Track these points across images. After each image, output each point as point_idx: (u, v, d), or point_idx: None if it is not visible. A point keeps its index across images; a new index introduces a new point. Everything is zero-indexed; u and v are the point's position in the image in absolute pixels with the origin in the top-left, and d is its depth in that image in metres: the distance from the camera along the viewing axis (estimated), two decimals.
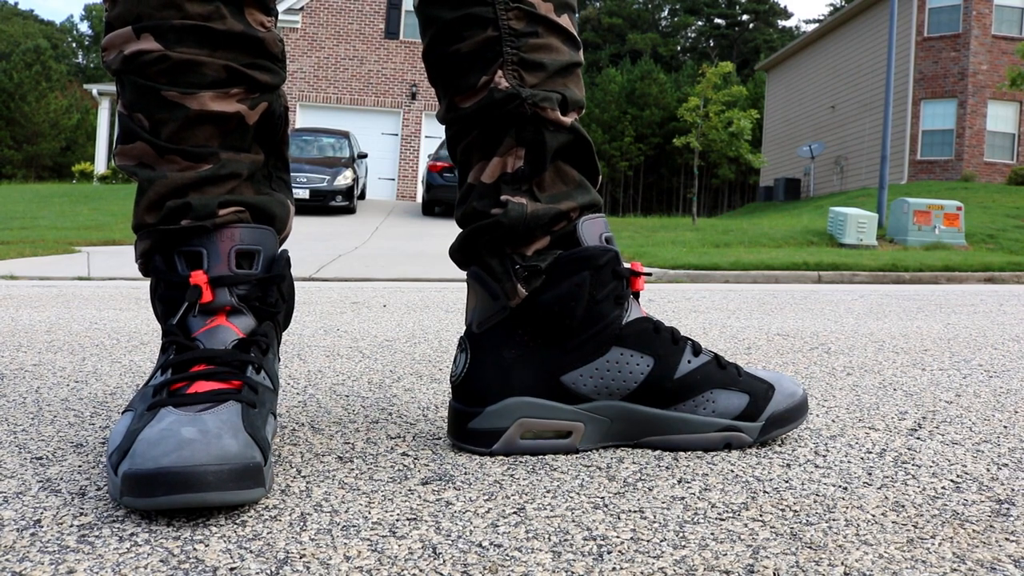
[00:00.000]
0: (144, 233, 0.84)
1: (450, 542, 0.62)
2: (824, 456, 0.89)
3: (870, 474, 0.83)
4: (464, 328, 0.90)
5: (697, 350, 0.92)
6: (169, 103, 0.82)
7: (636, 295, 0.92)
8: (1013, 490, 0.78)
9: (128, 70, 0.82)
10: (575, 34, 0.92)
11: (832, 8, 56.61)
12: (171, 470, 0.64)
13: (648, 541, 0.63)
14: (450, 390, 0.91)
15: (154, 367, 0.81)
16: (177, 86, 0.82)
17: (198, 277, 0.80)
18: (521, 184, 0.88)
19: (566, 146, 0.90)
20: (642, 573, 0.57)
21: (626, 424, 0.89)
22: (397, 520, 0.67)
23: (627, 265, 0.91)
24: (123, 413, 0.77)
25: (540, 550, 0.61)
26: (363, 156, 14.99)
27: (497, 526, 0.66)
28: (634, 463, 0.84)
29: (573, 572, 0.57)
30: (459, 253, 0.92)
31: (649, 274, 0.97)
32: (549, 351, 0.88)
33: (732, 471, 0.83)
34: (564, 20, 0.90)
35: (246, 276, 0.82)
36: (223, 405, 0.72)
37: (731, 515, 0.69)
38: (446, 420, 0.98)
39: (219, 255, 0.82)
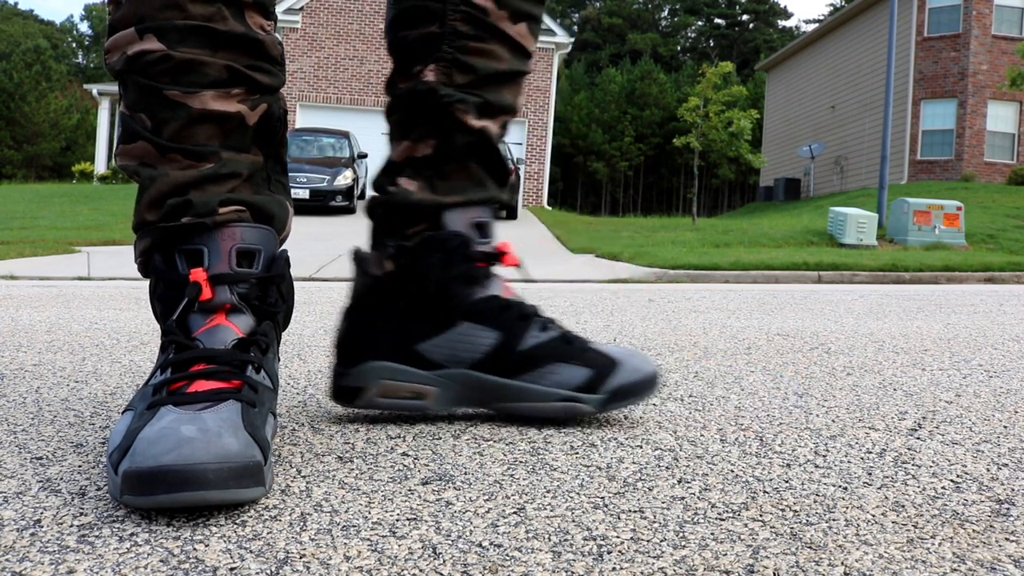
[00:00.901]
0: (144, 232, 0.84)
1: (450, 542, 0.62)
2: (824, 456, 0.89)
3: (870, 474, 0.83)
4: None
5: (545, 327, 1.01)
6: (171, 102, 0.82)
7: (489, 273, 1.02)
8: (1013, 490, 0.78)
9: (131, 70, 0.83)
10: (525, 45, 1.00)
11: (832, 8, 56.60)
12: (171, 468, 0.64)
13: (648, 541, 0.63)
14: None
15: (154, 366, 0.82)
16: (179, 85, 0.82)
17: (198, 274, 0.80)
18: (423, 170, 0.99)
19: (473, 146, 0.99)
20: (642, 573, 0.57)
21: (475, 391, 0.99)
22: (397, 520, 0.67)
23: (492, 248, 1.01)
24: (123, 412, 0.77)
25: (540, 550, 0.61)
26: (363, 156, 14.99)
27: (497, 526, 0.66)
28: (634, 463, 0.84)
29: (573, 572, 0.57)
30: (367, 209, 1.04)
31: (516, 265, 1.06)
32: (407, 322, 0.98)
33: (732, 471, 0.83)
34: (517, 29, 0.98)
35: (246, 275, 0.82)
36: (223, 404, 0.72)
37: (731, 515, 0.69)
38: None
39: (219, 253, 0.82)
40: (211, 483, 0.64)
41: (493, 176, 1.02)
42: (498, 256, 1.00)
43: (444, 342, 0.97)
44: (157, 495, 0.64)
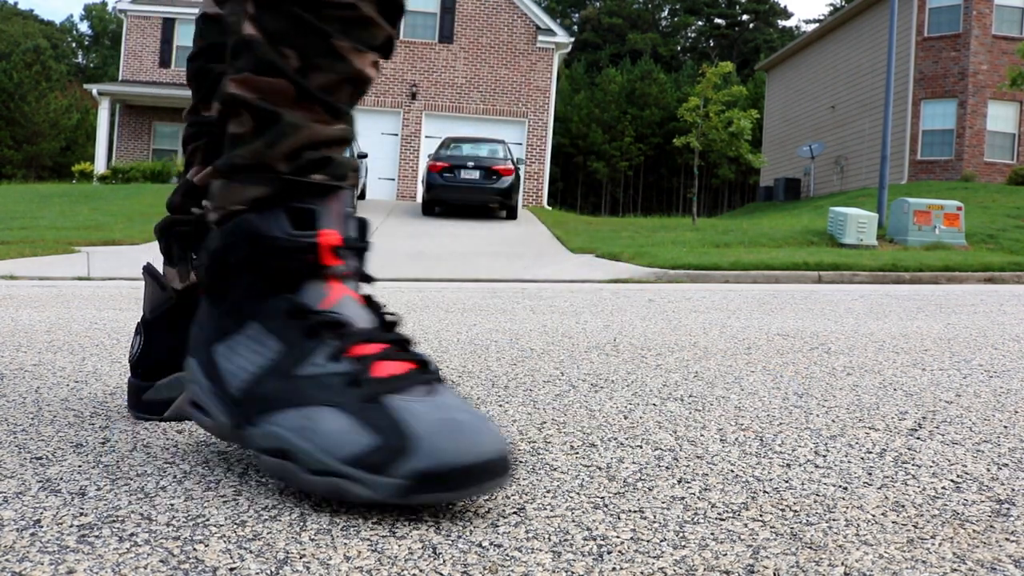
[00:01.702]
0: (266, 179, 0.77)
1: (450, 542, 0.62)
2: (824, 456, 0.89)
3: (870, 474, 0.83)
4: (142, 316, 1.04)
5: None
6: (336, 53, 0.77)
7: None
8: (1013, 490, 0.78)
9: (301, 3, 0.76)
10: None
11: (832, 8, 56.60)
12: (493, 458, 0.67)
13: (648, 541, 0.63)
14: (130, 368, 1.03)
15: (295, 352, 0.74)
16: (350, 39, 0.78)
17: (329, 237, 0.75)
18: None
19: None
20: (642, 573, 0.57)
21: None
22: (397, 520, 0.67)
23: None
24: (295, 411, 0.71)
25: (540, 550, 0.61)
26: (363, 156, 14.97)
27: (497, 526, 0.66)
28: (634, 463, 0.84)
29: (573, 572, 0.57)
30: (158, 228, 1.04)
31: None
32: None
33: (732, 471, 0.83)
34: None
35: (362, 244, 0.79)
36: (439, 386, 0.73)
37: (731, 515, 0.69)
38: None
39: (332, 218, 0.77)
40: (510, 466, 0.68)
41: None
42: None
43: None
44: (483, 483, 0.66)
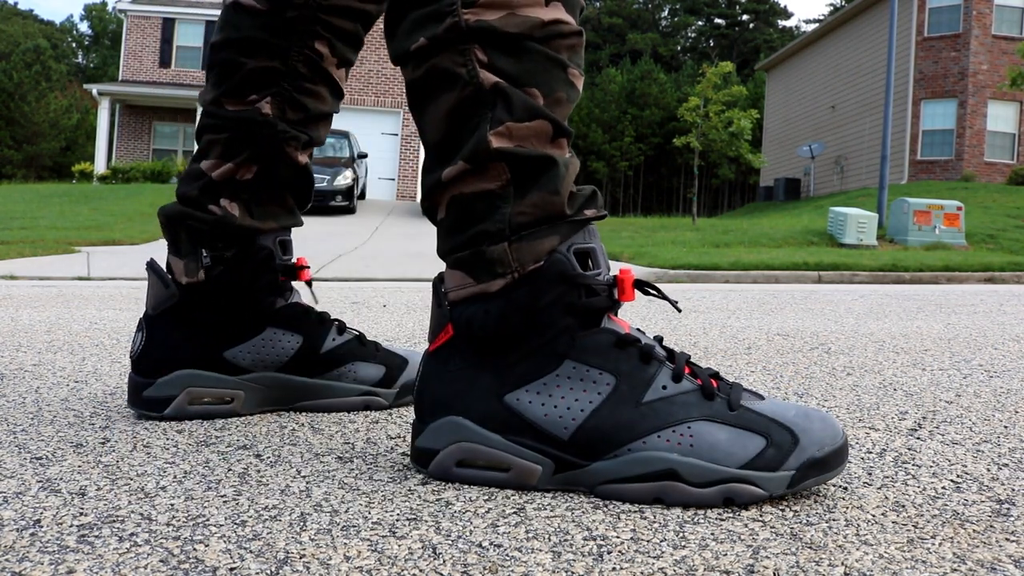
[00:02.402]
0: (555, 227, 0.76)
1: (450, 542, 0.62)
2: None
3: (870, 474, 0.83)
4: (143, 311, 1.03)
5: (341, 330, 1.08)
6: (570, 83, 0.77)
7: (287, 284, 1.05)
8: (1013, 490, 0.78)
9: (537, 38, 0.74)
10: (342, 88, 1.07)
11: (832, 8, 56.61)
12: (844, 439, 0.74)
13: (648, 541, 0.63)
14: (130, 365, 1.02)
15: (635, 380, 0.75)
16: (578, 67, 0.78)
17: (627, 274, 0.77)
18: (241, 193, 1.01)
19: (293, 179, 1.04)
20: (642, 573, 0.57)
21: (282, 391, 1.04)
22: (397, 520, 0.67)
23: (292, 263, 1.06)
24: (683, 433, 0.73)
25: (540, 550, 0.61)
26: (363, 156, 14.99)
27: (497, 526, 0.66)
28: None
29: (573, 572, 0.57)
30: (167, 215, 1.02)
31: (309, 280, 1.10)
32: (214, 331, 1.01)
33: None
34: (339, 74, 1.05)
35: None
36: (746, 389, 0.78)
37: (731, 515, 0.69)
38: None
39: (601, 251, 0.78)
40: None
41: (300, 205, 1.07)
42: (297, 270, 1.06)
43: (251, 348, 1.02)
44: (843, 462, 0.74)
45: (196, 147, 1.04)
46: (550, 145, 0.76)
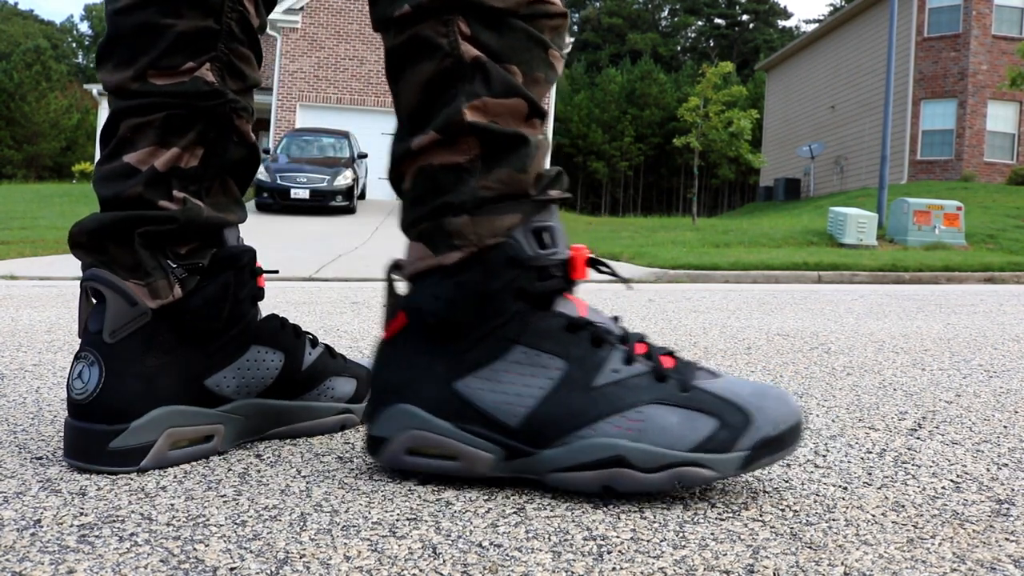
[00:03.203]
0: (519, 203, 0.75)
1: (450, 542, 0.62)
2: (824, 456, 0.89)
3: (870, 474, 0.83)
4: (82, 339, 0.81)
5: (314, 343, 0.95)
6: (549, 64, 0.76)
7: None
8: (1013, 490, 0.78)
9: (523, 15, 0.73)
10: (262, 54, 0.91)
11: (832, 8, 56.62)
12: (799, 416, 0.73)
13: (648, 541, 0.63)
14: (71, 410, 0.80)
15: (587, 365, 0.74)
16: (559, 48, 0.77)
17: (581, 251, 0.75)
18: (190, 184, 0.83)
19: (242, 162, 0.88)
20: (642, 573, 0.57)
21: (259, 419, 0.89)
22: (397, 520, 0.67)
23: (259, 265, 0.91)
24: (632, 417, 0.72)
25: (540, 550, 0.61)
26: (363, 156, 14.98)
27: (497, 526, 0.66)
28: None
29: (573, 572, 0.57)
30: (95, 235, 0.81)
31: (275, 271, 1.00)
32: (193, 355, 0.83)
33: None
34: (259, 40, 0.89)
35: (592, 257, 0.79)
36: (701, 367, 0.77)
37: (731, 515, 0.69)
38: (64, 445, 0.81)
39: (559, 230, 0.77)
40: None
41: (242, 193, 0.91)
42: (260, 272, 0.91)
43: (235, 372, 0.86)
44: (797, 441, 0.73)
45: (103, 141, 0.84)
46: (523, 124, 0.75)
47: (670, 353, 0.77)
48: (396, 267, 0.80)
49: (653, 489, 0.70)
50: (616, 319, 0.79)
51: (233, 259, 0.85)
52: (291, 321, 0.94)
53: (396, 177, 0.80)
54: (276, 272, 1.03)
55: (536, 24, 0.74)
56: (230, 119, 0.85)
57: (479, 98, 0.73)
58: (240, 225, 0.90)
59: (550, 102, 19.58)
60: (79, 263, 0.91)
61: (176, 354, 0.82)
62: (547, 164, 0.80)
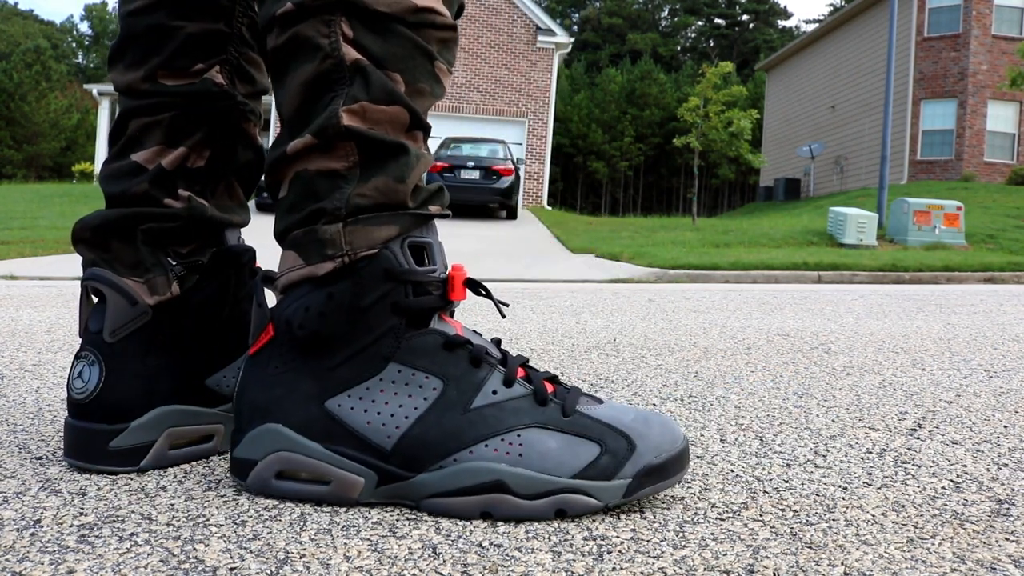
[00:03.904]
0: (395, 216, 0.72)
1: (450, 542, 0.62)
2: (824, 456, 0.89)
3: (870, 474, 0.83)
4: (83, 338, 0.81)
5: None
6: (435, 77, 0.74)
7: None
8: (1013, 490, 0.78)
9: (408, 23, 0.71)
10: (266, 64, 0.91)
11: (832, 8, 56.61)
12: (684, 444, 0.72)
13: (648, 541, 0.63)
14: (71, 410, 0.80)
15: (464, 385, 0.72)
16: (447, 63, 0.75)
17: (459, 271, 0.73)
18: (195, 184, 0.84)
19: (249, 165, 0.89)
20: (642, 573, 0.57)
21: None
22: (397, 520, 0.67)
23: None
24: (511, 442, 0.69)
25: (540, 550, 0.61)
26: None
27: (497, 526, 0.66)
28: None
29: (573, 572, 0.57)
30: (99, 231, 0.81)
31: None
32: (193, 354, 0.83)
33: (732, 471, 0.83)
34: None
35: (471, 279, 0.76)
36: (584, 394, 0.75)
37: (731, 515, 0.69)
38: (63, 445, 0.82)
39: (438, 249, 0.75)
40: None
41: (247, 196, 0.92)
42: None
43: (235, 371, 0.86)
44: (684, 468, 0.72)
45: (112, 140, 0.85)
46: (404, 135, 0.73)
47: (553, 379, 0.75)
48: (267, 279, 0.76)
49: (533, 517, 0.67)
50: (497, 341, 0.76)
51: (233, 258, 0.85)
52: None
53: (272, 184, 0.76)
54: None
55: (422, 33, 0.72)
56: (238, 122, 0.86)
57: (357, 102, 0.70)
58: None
59: (550, 102, 19.61)
60: (79, 263, 0.90)
61: (176, 353, 0.82)
62: (426, 181, 0.77)
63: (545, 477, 0.67)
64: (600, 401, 0.74)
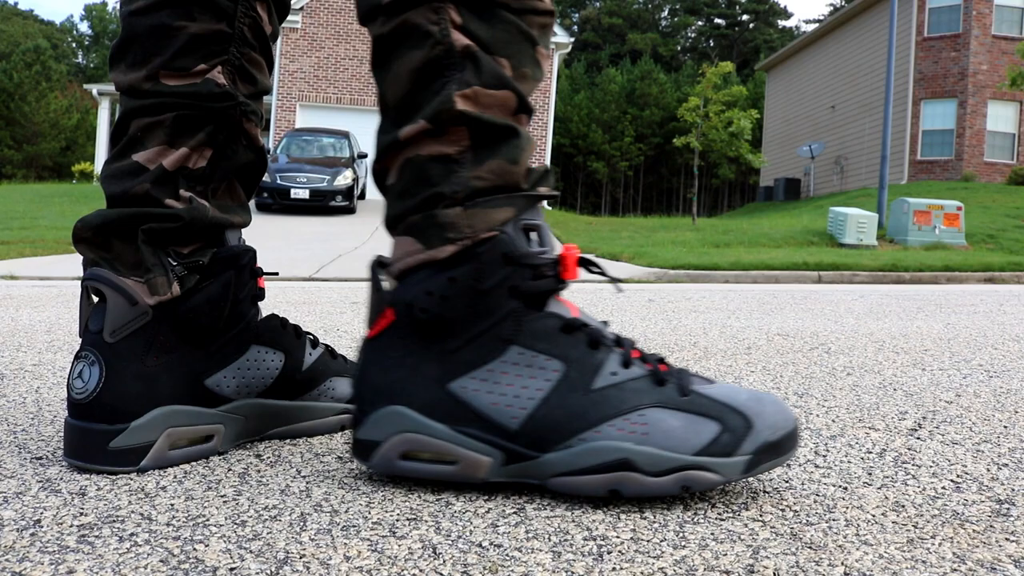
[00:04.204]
0: (510, 198, 0.74)
1: (450, 542, 0.62)
2: (824, 456, 0.89)
3: (870, 474, 0.83)
4: (83, 339, 0.82)
5: (315, 344, 0.94)
6: (536, 61, 0.75)
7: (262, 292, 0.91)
8: (1013, 490, 0.78)
9: (510, 8, 0.73)
10: (273, 61, 0.93)
11: (832, 8, 56.63)
12: (795, 423, 0.73)
13: (648, 541, 0.63)
14: (71, 410, 0.80)
15: (584, 367, 0.73)
16: (546, 46, 0.77)
17: (572, 251, 0.74)
18: (196, 184, 0.84)
19: (250, 165, 0.89)
20: (642, 573, 0.57)
21: (259, 420, 0.89)
22: (397, 520, 0.67)
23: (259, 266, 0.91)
24: (636, 421, 0.71)
25: (540, 550, 0.61)
26: (363, 156, 14.98)
27: (497, 526, 0.66)
28: None
29: (573, 572, 0.57)
30: (100, 231, 0.82)
31: (274, 274, 0.99)
32: (193, 355, 0.83)
33: None
34: (271, 47, 0.90)
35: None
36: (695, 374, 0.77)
37: (731, 515, 0.69)
38: (63, 445, 0.81)
39: (550, 232, 0.76)
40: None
41: (248, 197, 0.92)
42: (261, 274, 0.91)
43: (235, 372, 0.86)
44: (796, 446, 0.73)
45: (113, 140, 0.85)
46: (511, 117, 0.74)
47: (662, 360, 0.76)
48: (380, 264, 0.78)
49: (659, 493, 0.69)
50: (605, 323, 0.78)
51: (233, 259, 0.85)
52: (291, 321, 0.92)
53: (380, 171, 0.78)
54: (276, 274, 1.02)
55: (525, 19, 0.74)
56: (240, 122, 0.86)
57: (470, 87, 0.72)
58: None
59: (550, 102, 19.58)
60: (79, 262, 0.92)
61: (176, 354, 0.82)
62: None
63: (670, 455, 0.69)
64: (711, 381, 0.76)
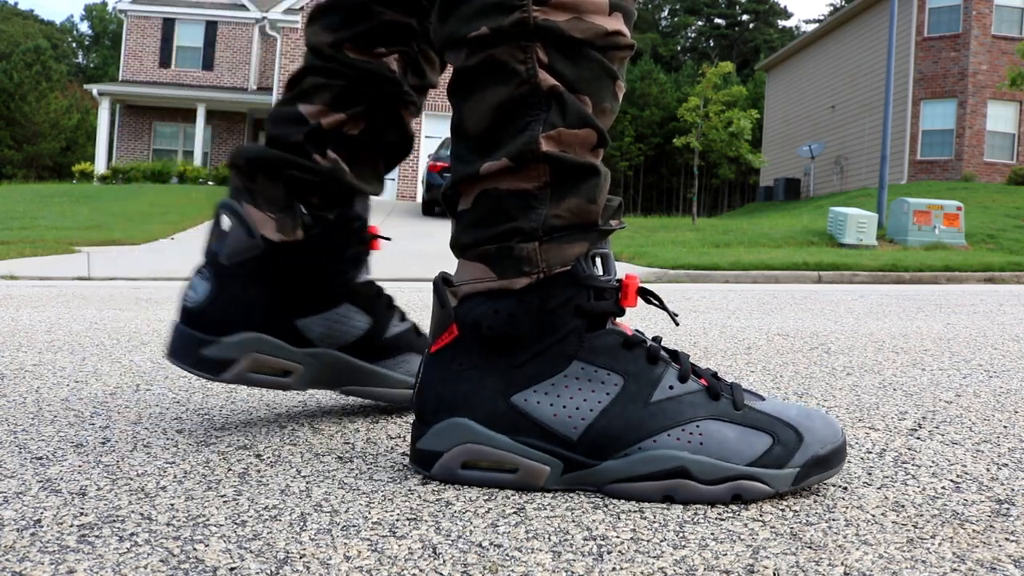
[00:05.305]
0: (589, 233, 0.76)
1: (450, 542, 0.62)
2: None
3: (870, 474, 0.83)
4: (205, 257, 0.93)
5: (403, 317, 1.03)
6: (615, 95, 0.77)
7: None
8: (1013, 490, 0.78)
9: (598, 46, 0.74)
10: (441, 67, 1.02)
11: (832, 8, 56.63)
12: (843, 438, 0.76)
13: (648, 541, 0.63)
14: (180, 315, 0.92)
15: (643, 381, 0.76)
16: (623, 79, 0.78)
17: (633, 280, 0.77)
18: (343, 148, 0.94)
19: (395, 146, 0.98)
20: (642, 573, 0.57)
21: (335, 372, 0.97)
22: (397, 520, 0.67)
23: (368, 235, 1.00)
24: (692, 432, 0.74)
25: (540, 550, 0.61)
26: None
27: (497, 526, 0.66)
28: None
29: (573, 572, 0.57)
30: (252, 163, 0.91)
31: (387, 238, 1.05)
32: (293, 295, 0.93)
33: None
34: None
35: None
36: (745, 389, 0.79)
37: (731, 515, 0.69)
38: (166, 345, 0.91)
39: (613, 260, 0.79)
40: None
41: (387, 172, 1.01)
42: (369, 242, 0.99)
43: (323, 320, 0.95)
44: (843, 460, 0.76)
45: (289, 86, 0.94)
46: (590, 154, 0.76)
47: (714, 375, 0.79)
48: (446, 282, 0.80)
49: (712, 501, 0.71)
50: (659, 339, 0.80)
51: (349, 222, 0.95)
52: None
53: (453, 195, 0.80)
54: (389, 239, 1.08)
55: (609, 55, 0.75)
56: (398, 107, 0.96)
57: (555, 128, 0.73)
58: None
59: None
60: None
61: (279, 290, 0.92)
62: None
63: (724, 464, 0.72)
64: (761, 397, 0.79)
